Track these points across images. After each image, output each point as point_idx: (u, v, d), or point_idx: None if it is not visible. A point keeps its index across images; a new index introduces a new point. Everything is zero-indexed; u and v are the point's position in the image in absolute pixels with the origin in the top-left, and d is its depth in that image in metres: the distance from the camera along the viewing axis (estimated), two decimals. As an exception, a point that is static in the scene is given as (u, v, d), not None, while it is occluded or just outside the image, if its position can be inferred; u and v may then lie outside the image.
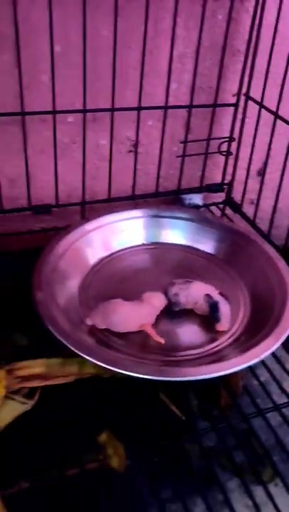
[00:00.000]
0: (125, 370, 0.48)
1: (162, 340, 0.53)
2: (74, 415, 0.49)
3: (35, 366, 0.52)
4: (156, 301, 0.55)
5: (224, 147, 0.77)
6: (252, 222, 0.77)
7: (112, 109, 0.67)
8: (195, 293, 0.57)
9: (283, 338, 0.52)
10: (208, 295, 0.56)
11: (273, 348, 0.51)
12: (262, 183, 0.75)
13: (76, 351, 0.49)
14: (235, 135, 0.77)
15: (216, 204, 0.83)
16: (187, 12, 0.66)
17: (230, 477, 0.49)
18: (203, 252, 0.67)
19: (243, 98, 0.73)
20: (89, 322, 0.54)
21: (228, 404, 0.54)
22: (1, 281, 0.64)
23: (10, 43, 0.60)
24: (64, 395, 0.50)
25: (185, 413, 0.52)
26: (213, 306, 0.56)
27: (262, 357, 0.50)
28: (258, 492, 0.47)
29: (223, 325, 0.56)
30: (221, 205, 0.83)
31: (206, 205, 0.83)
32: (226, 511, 0.45)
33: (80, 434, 0.47)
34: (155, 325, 0.55)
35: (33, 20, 0.59)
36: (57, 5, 0.58)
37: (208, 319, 0.56)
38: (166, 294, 0.57)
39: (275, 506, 0.45)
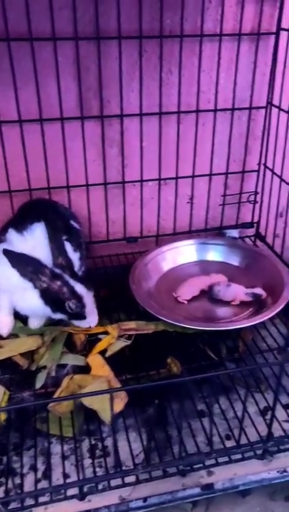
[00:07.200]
0: (184, 324, 0.86)
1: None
2: (153, 349, 0.87)
3: (131, 324, 0.91)
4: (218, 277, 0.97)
5: (252, 198, 1.15)
6: (271, 247, 1.13)
7: (177, 177, 1.09)
8: (232, 292, 0.94)
9: (274, 313, 0.86)
10: (248, 291, 0.93)
11: (266, 318, 0.86)
12: (285, 222, 1.12)
13: (156, 315, 0.88)
14: (259, 189, 1.14)
15: (248, 236, 1.21)
16: (222, 117, 1.06)
17: (241, 388, 0.84)
18: (232, 264, 1.06)
19: (262, 166, 1.12)
20: (175, 294, 0.95)
21: (243, 352, 0.89)
22: (108, 284, 1.05)
23: (117, 144, 1.03)
24: (147, 339, 0.89)
25: (217, 356, 0.89)
26: (256, 295, 0.92)
27: (260, 321, 0.85)
28: (258, 396, 0.82)
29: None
30: (252, 237, 1.20)
31: (241, 237, 1.20)
32: (237, 404, 0.80)
33: (156, 358, 0.85)
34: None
35: (130, 131, 1.03)
36: (144, 121, 1.01)
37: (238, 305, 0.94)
38: (212, 288, 0.95)
39: (268, 404, 0.79)
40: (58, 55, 0.90)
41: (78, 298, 0.83)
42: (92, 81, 0.95)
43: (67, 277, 0.84)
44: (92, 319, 0.87)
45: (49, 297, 0.83)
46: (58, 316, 0.86)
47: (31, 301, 0.84)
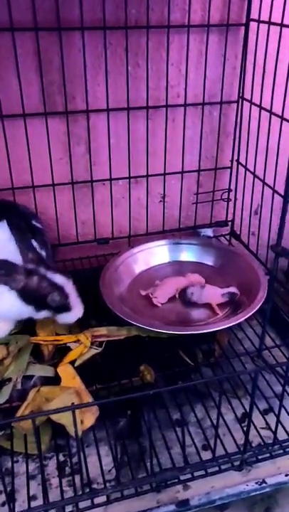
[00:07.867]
0: (157, 329, 0.82)
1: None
2: (125, 356, 0.82)
3: (102, 330, 0.86)
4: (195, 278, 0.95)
5: (225, 195, 1.12)
6: (246, 246, 1.10)
7: (147, 175, 1.04)
8: (207, 295, 0.91)
9: (250, 314, 0.83)
10: (224, 292, 0.90)
11: (242, 319, 0.83)
12: (259, 220, 1.09)
13: (127, 320, 0.83)
14: (232, 187, 1.11)
15: (223, 235, 1.17)
16: (193, 112, 1.03)
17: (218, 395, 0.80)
18: (207, 264, 1.02)
19: (235, 163, 1.09)
20: (143, 293, 0.92)
21: (219, 355, 0.86)
22: (79, 288, 1.00)
23: (84, 141, 0.99)
24: (118, 346, 0.84)
25: (193, 361, 0.85)
26: (232, 294, 0.89)
27: (236, 323, 0.82)
28: (235, 402, 0.78)
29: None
30: (227, 236, 1.17)
31: (216, 236, 1.17)
32: (214, 411, 0.77)
33: (129, 365, 0.81)
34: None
35: (98, 128, 0.98)
36: (112, 117, 0.97)
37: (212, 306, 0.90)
38: (184, 292, 0.91)
39: (245, 410, 0.76)
40: (17, 47, 0.84)
41: (60, 289, 0.79)
42: (56, 74, 0.90)
43: (43, 270, 0.79)
44: (77, 311, 0.82)
45: (29, 295, 0.78)
46: (43, 314, 0.81)
47: (10, 304, 0.78)
